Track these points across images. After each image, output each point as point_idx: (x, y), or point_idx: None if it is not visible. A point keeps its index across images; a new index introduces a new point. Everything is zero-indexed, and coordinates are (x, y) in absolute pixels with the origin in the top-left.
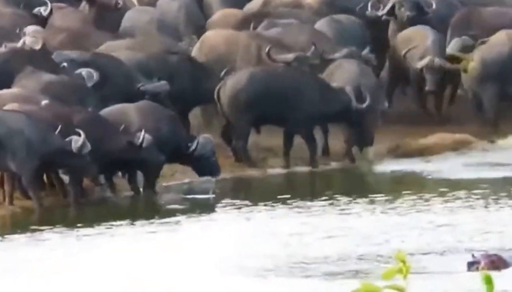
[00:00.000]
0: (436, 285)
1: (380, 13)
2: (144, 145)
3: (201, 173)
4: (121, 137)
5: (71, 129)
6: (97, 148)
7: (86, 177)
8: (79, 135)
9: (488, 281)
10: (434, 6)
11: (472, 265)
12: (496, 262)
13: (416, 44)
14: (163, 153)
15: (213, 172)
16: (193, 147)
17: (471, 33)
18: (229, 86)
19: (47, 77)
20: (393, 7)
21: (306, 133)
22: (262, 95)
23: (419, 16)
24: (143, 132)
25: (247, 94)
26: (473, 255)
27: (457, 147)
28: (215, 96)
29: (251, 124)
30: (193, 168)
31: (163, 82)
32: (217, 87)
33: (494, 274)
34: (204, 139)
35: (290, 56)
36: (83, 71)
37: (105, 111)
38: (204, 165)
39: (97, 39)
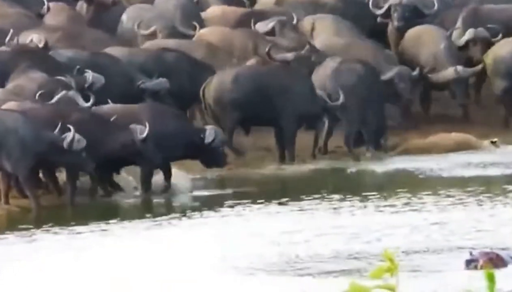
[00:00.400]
0: (430, 283)
1: (377, 13)
2: (144, 138)
3: (210, 164)
4: (121, 133)
5: (69, 127)
6: (97, 145)
7: (82, 173)
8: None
9: (491, 278)
10: (436, 6)
11: (470, 263)
12: (495, 260)
13: (426, 46)
14: (178, 150)
15: (221, 163)
16: (211, 138)
17: (489, 26)
18: (214, 85)
19: (37, 75)
20: (389, 9)
21: (288, 134)
22: (247, 94)
23: (417, 18)
24: (147, 126)
25: (232, 93)
26: (471, 253)
27: (458, 148)
28: (200, 94)
29: (237, 122)
30: (203, 159)
31: (162, 80)
32: (203, 86)
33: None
34: (214, 129)
35: (289, 55)
36: (90, 75)
37: (111, 111)
38: (215, 155)
39: (90, 36)
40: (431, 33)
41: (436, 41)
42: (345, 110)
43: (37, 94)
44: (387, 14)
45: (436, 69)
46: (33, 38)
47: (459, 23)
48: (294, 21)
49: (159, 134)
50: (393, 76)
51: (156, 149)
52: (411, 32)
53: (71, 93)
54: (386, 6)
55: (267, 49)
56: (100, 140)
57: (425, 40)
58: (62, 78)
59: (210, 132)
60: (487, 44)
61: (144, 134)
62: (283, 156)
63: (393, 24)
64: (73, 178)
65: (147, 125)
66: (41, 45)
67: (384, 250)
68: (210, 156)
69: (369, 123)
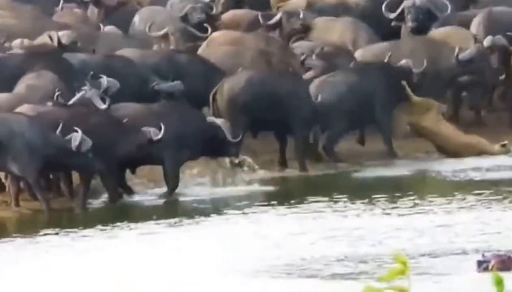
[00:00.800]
0: (436, 287)
1: (391, 16)
2: (159, 140)
3: (223, 154)
4: (138, 134)
5: (86, 129)
6: (114, 147)
7: (92, 174)
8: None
9: (499, 282)
10: (449, 10)
11: (482, 264)
12: (507, 262)
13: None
14: (202, 147)
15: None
16: (229, 131)
17: (508, 34)
18: (227, 88)
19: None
20: (403, 12)
21: (300, 138)
22: (261, 97)
23: (430, 22)
24: (162, 127)
25: (246, 96)
26: (483, 255)
27: (467, 151)
28: (210, 98)
29: (248, 126)
30: (219, 153)
31: (177, 82)
32: (214, 90)
33: (504, 274)
34: (224, 122)
35: (319, 64)
36: (104, 80)
37: (129, 110)
38: (231, 147)
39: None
40: (460, 34)
41: (466, 42)
42: (330, 116)
43: (55, 95)
44: (401, 17)
45: None
46: (59, 36)
47: (477, 28)
48: (301, 16)
49: (185, 132)
50: (473, 55)
51: (181, 147)
52: (438, 33)
53: (90, 93)
54: (399, 9)
55: (302, 58)
56: (117, 142)
57: (455, 42)
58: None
59: (226, 126)
60: (505, 51)
61: (159, 136)
62: (303, 165)
63: (407, 26)
64: (87, 180)
65: (162, 126)
66: (55, 43)
67: (395, 253)
68: (227, 149)
69: (384, 126)
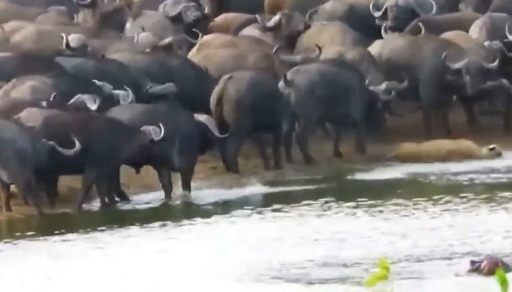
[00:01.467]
0: (420, 290)
1: (376, 15)
2: (159, 140)
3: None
4: (139, 136)
5: (87, 133)
6: (115, 151)
7: (92, 179)
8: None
9: (503, 281)
10: (434, 10)
11: (474, 264)
12: (499, 265)
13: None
14: (199, 146)
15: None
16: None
17: (505, 40)
18: (232, 91)
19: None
20: (386, 11)
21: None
22: (264, 98)
23: (411, 20)
24: (161, 126)
25: (251, 97)
26: (476, 258)
27: (451, 156)
28: (212, 100)
29: (250, 128)
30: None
31: (170, 84)
32: (218, 91)
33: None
34: (208, 118)
35: (297, 57)
36: (107, 87)
37: (126, 112)
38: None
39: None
40: (465, 39)
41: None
42: (301, 108)
43: (51, 97)
44: (385, 16)
45: None
46: (68, 39)
47: (479, 32)
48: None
49: (184, 133)
50: (462, 66)
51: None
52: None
53: (85, 96)
54: (383, 8)
55: (274, 49)
56: (117, 145)
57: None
58: None
59: (211, 123)
60: (502, 57)
61: (160, 136)
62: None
63: (388, 24)
64: (89, 185)
65: (162, 126)
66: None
67: (380, 257)
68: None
69: (358, 124)
